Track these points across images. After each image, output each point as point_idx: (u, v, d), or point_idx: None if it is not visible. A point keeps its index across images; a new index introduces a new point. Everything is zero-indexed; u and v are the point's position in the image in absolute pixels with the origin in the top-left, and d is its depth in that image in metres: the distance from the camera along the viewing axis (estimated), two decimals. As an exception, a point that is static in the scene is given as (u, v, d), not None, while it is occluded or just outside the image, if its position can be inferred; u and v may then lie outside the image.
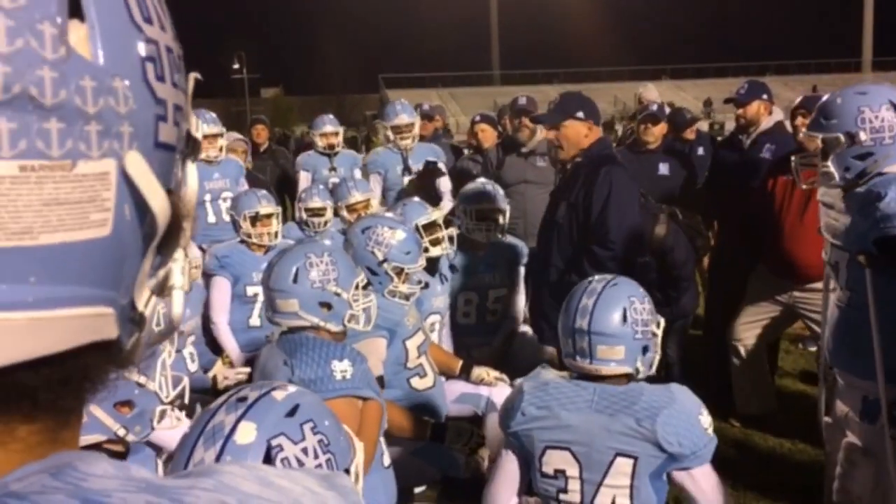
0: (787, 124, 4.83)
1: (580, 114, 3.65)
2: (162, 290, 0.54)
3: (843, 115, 2.59)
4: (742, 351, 4.45)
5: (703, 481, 2.22)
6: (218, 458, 1.31)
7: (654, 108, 5.51)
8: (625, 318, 2.21)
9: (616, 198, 3.50)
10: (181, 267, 0.55)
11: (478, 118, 6.32)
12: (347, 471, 1.40)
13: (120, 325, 0.45)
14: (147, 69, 0.44)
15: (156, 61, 0.45)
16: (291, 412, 1.38)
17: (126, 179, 0.43)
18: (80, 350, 0.43)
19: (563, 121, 3.67)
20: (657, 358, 2.31)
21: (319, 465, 1.34)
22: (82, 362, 0.43)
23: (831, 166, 2.59)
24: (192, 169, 0.55)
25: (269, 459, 1.31)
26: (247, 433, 1.34)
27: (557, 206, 3.75)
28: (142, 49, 0.44)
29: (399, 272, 3.18)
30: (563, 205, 3.68)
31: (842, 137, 2.57)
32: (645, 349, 2.25)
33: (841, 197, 2.67)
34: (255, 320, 4.16)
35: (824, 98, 2.76)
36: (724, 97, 5.39)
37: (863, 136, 2.54)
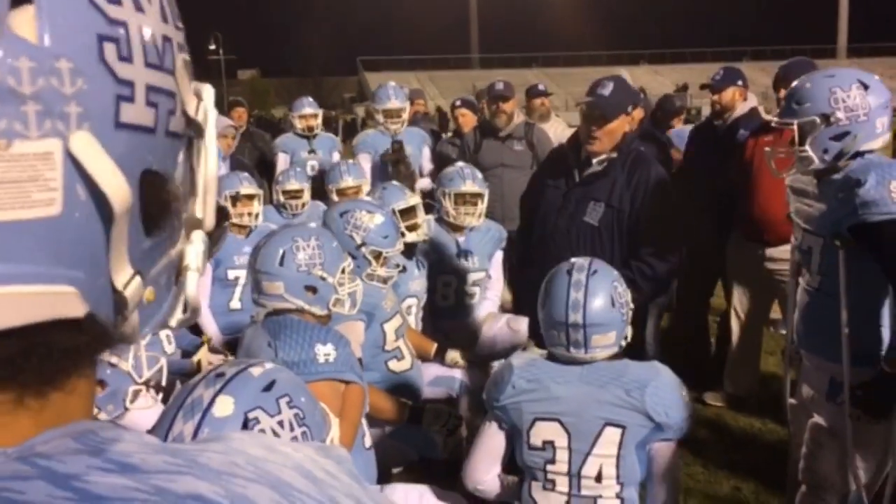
0: (762, 109, 4.90)
1: (630, 108, 3.39)
2: (177, 271, 0.55)
3: (815, 98, 2.61)
4: (737, 329, 4.54)
5: (672, 456, 2.30)
6: (196, 431, 1.35)
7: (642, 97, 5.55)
8: (613, 304, 2.29)
9: (665, 210, 3.27)
10: (197, 249, 0.56)
11: (458, 102, 6.35)
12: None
13: (93, 304, 0.46)
14: (105, 50, 0.44)
15: (119, 41, 0.45)
16: (268, 387, 1.43)
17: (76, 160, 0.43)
18: (43, 326, 0.43)
19: (619, 115, 3.31)
20: (630, 331, 2.39)
21: (295, 438, 1.39)
22: (45, 338, 0.44)
23: (809, 150, 2.61)
24: (209, 150, 0.56)
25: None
26: (224, 406, 1.39)
27: (581, 203, 3.38)
28: (100, 29, 0.44)
29: (377, 256, 3.20)
30: (596, 205, 3.33)
31: (817, 120, 2.59)
32: (625, 326, 2.35)
33: (814, 183, 2.71)
34: (235, 303, 4.16)
35: (792, 86, 2.78)
36: (701, 82, 5.44)
37: (839, 114, 2.55)
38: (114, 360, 2.25)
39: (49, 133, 0.42)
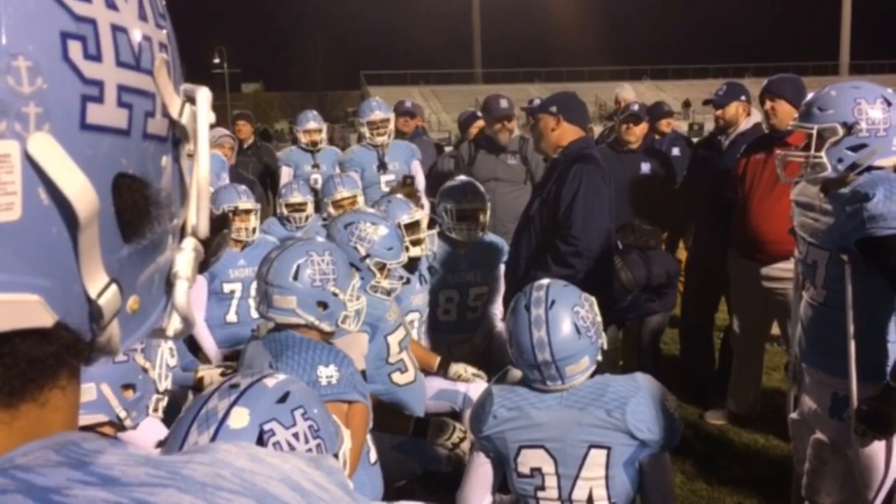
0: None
1: (553, 108, 3.69)
2: (167, 279, 0.53)
3: (840, 106, 2.60)
4: (739, 346, 4.54)
5: (663, 467, 2.28)
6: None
7: (636, 108, 5.57)
8: (578, 332, 2.25)
9: (583, 194, 3.48)
10: (187, 257, 0.54)
11: (479, 114, 6.36)
12: (336, 456, 1.45)
13: (63, 313, 0.44)
14: (69, 48, 0.42)
15: (86, 40, 0.43)
16: (283, 399, 1.43)
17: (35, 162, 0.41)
18: (8, 335, 0.42)
19: (539, 113, 3.75)
20: (605, 340, 2.36)
21: (310, 450, 1.39)
22: (10, 348, 0.42)
23: (824, 157, 2.60)
24: (201, 154, 0.53)
25: (261, 443, 1.35)
26: (240, 418, 1.39)
27: (533, 202, 3.75)
28: (63, 27, 0.42)
29: (381, 268, 3.20)
30: (538, 201, 3.68)
31: (839, 127, 2.58)
32: (597, 346, 2.32)
33: (820, 197, 2.70)
34: (231, 317, 4.15)
35: (814, 93, 2.77)
36: (704, 98, 5.45)
37: (863, 124, 2.56)
38: (147, 365, 2.25)
39: (5, 134, 0.40)
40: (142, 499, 0.41)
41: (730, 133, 4.76)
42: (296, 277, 2.44)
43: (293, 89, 65.52)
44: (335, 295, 2.48)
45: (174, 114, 0.51)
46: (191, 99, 0.54)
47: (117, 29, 0.45)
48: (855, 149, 2.58)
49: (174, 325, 0.55)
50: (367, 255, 3.16)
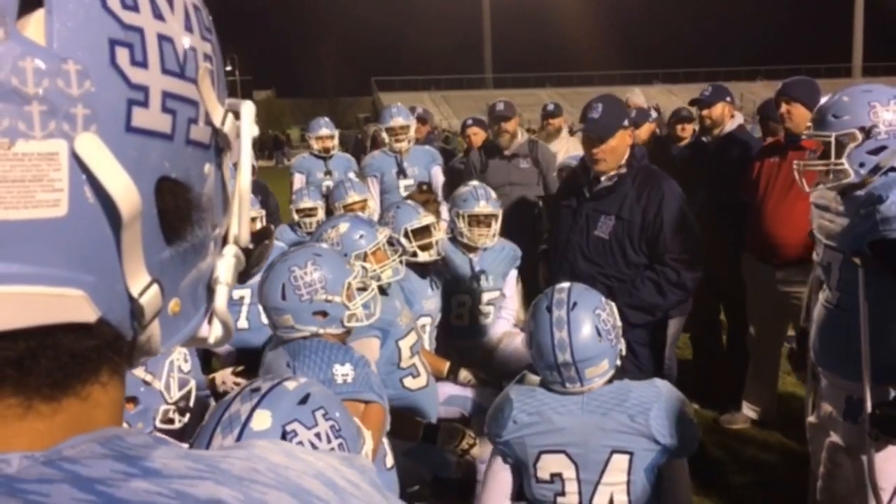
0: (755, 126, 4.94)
1: (626, 122, 3.39)
2: (208, 286, 0.55)
3: (855, 111, 2.60)
4: (755, 350, 4.52)
5: (682, 473, 2.28)
6: None
7: (655, 115, 5.60)
8: (599, 334, 2.26)
9: (683, 217, 3.32)
10: (228, 263, 0.56)
11: (470, 122, 6.39)
12: None
13: (105, 309, 0.45)
14: (117, 54, 0.44)
15: (133, 46, 0.45)
16: (303, 400, 1.46)
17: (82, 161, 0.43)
18: (52, 328, 0.43)
19: (615, 133, 3.33)
20: (623, 346, 2.36)
21: (332, 450, 1.40)
22: (53, 341, 0.44)
23: (846, 163, 2.60)
24: (243, 164, 0.55)
25: None
26: (262, 420, 1.41)
27: (592, 218, 3.43)
28: (112, 34, 0.44)
29: (365, 258, 3.17)
30: (606, 219, 3.38)
31: (857, 133, 2.58)
32: (616, 349, 2.31)
33: (836, 199, 2.69)
34: (242, 323, 4.17)
35: (826, 100, 2.76)
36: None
37: (881, 127, 2.56)
38: (148, 378, 2.26)
39: (54, 133, 0.42)
40: (181, 490, 0.43)
41: (716, 134, 4.80)
42: (283, 297, 2.45)
43: (304, 96, 65.84)
44: (329, 301, 2.48)
45: (217, 122, 0.53)
46: (235, 112, 0.55)
47: (163, 38, 0.47)
48: (875, 152, 2.58)
49: (216, 332, 0.57)
50: (345, 255, 3.12)
